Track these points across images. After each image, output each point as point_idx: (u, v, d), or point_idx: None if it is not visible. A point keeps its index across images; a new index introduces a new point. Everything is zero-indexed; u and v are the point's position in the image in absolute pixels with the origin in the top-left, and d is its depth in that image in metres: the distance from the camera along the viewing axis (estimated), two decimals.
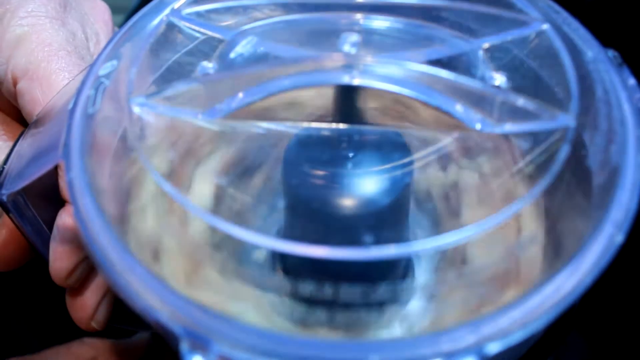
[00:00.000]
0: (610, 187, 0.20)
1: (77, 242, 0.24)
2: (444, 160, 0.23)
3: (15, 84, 0.27)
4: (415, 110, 0.24)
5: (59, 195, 0.25)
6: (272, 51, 0.24)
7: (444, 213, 0.24)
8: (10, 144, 0.27)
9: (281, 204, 0.23)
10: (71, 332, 0.29)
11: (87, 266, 0.26)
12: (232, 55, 0.24)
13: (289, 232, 0.23)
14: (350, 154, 0.22)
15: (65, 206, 0.25)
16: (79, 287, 0.26)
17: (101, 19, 0.31)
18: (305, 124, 0.23)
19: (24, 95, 0.27)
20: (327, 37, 0.23)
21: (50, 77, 0.26)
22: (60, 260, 0.25)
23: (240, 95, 0.22)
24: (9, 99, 0.29)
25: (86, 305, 0.26)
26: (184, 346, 0.17)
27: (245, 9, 0.25)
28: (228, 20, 0.25)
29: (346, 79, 0.21)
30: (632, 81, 0.22)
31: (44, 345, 0.32)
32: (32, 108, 0.27)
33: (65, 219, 0.25)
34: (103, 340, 0.32)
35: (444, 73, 0.21)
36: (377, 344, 0.17)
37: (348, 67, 0.21)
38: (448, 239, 0.19)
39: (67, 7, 0.29)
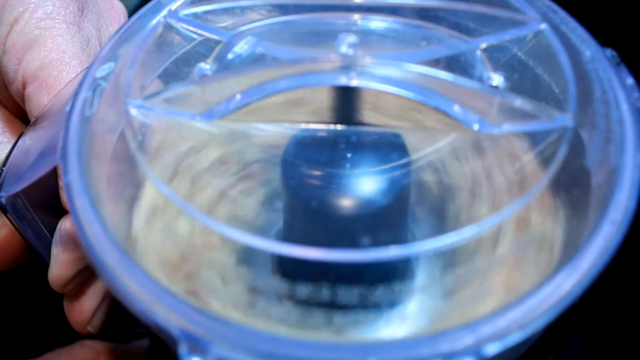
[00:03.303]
0: (608, 186, 0.20)
1: (79, 250, 0.24)
2: (443, 160, 0.23)
3: (24, 86, 0.27)
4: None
5: (59, 198, 0.25)
6: (270, 52, 0.24)
7: (444, 214, 0.24)
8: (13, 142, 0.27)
9: (280, 204, 0.23)
10: (71, 334, 0.29)
11: (86, 272, 0.26)
12: (229, 56, 0.24)
13: (288, 233, 0.23)
14: (349, 155, 0.22)
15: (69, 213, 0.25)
16: (77, 292, 0.26)
17: (116, 21, 0.31)
18: (304, 125, 0.23)
19: (32, 101, 0.27)
20: (325, 38, 0.23)
21: (60, 86, 0.26)
22: (60, 268, 0.25)
23: (238, 96, 0.22)
24: (16, 100, 0.29)
25: (83, 310, 0.26)
26: (182, 348, 0.17)
27: (242, 10, 0.25)
28: (225, 22, 0.25)
29: (344, 80, 0.21)
30: (630, 80, 0.22)
31: (44, 348, 0.32)
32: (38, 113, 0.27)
33: (67, 225, 0.25)
34: (104, 343, 0.32)
35: (441, 73, 0.21)
36: (375, 345, 0.17)
37: (346, 68, 0.21)
38: (448, 240, 0.19)
39: (85, 9, 0.29)
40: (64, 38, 0.27)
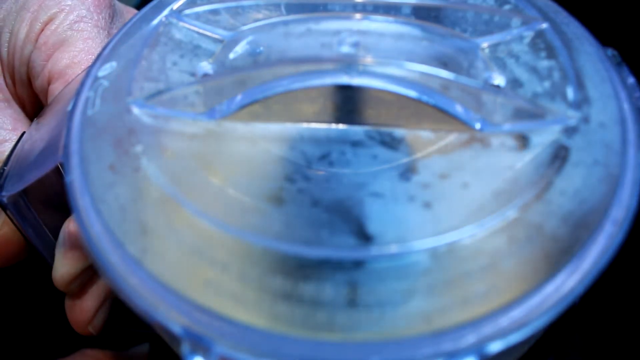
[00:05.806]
0: (610, 185, 0.20)
1: (83, 249, 0.24)
2: (444, 158, 0.23)
3: (49, 82, 0.28)
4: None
5: (62, 199, 0.25)
6: (271, 52, 0.24)
7: (444, 212, 0.24)
8: None
9: (279, 203, 0.23)
10: (71, 342, 0.29)
11: (89, 271, 0.26)
12: (231, 55, 0.24)
13: (288, 233, 0.23)
14: (349, 154, 0.22)
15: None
16: (79, 291, 0.26)
17: None
18: (305, 124, 0.23)
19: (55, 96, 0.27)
20: (326, 38, 0.23)
21: None
22: (65, 267, 0.25)
23: (239, 96, 0.22)
24: (38, 94, 0.30)
25: (85, 310, 0.27)
26: (185, 347, 0.17)
27: (244, 9, 0.25)
28: (227, 21, 0.25)
29: (345, 79, 0.21)
30: (631, 80, 0.22)
31: (44, 357, 0.32)
32: None
33: (72, 225, 0.25)
34: (105, 351, 0.32)
35: (443, 73, 0.21)
36: (377, 345, 0.17)
37: (347, 67, 0.21)
38: (448, 239, 0.19)
39: (114, 18, 0.30)
40: (94, 41, 0.28)
